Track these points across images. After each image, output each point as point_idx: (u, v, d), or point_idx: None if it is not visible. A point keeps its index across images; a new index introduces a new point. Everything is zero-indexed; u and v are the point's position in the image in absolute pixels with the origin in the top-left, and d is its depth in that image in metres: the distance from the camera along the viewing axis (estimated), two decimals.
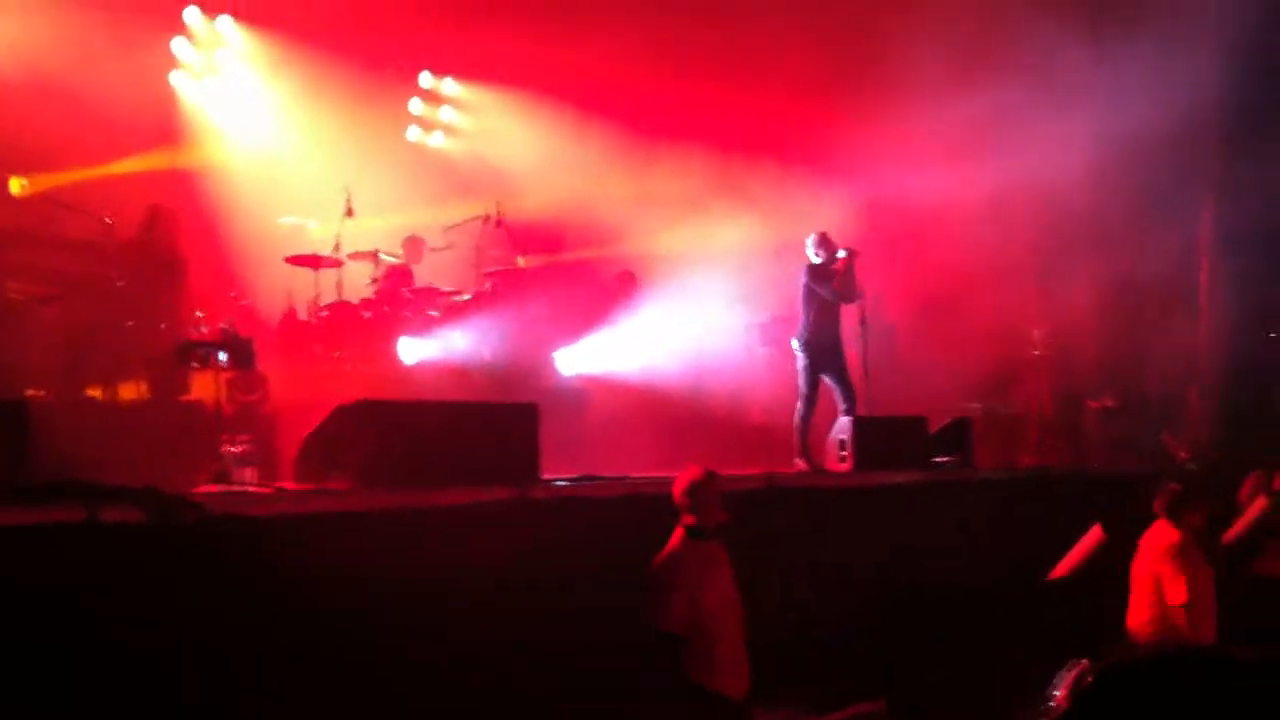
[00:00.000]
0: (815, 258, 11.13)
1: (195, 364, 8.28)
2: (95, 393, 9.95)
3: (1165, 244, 14.46)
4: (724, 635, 6.39)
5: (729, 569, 6.55)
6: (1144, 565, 7.44)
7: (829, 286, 10.98)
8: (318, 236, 12.70)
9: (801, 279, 11.14)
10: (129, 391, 10.09)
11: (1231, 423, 13.99)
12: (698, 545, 6.44)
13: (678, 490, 6.53)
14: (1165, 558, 7.33)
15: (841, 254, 11.08)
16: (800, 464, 10.58)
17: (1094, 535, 7.96)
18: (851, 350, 11.28)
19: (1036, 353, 14.44)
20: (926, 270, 14.32)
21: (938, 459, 10.60)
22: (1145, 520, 7.82)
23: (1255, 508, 8.30)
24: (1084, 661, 6.83)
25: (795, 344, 11.11)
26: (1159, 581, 7.31)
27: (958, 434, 11.19)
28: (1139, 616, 7.38)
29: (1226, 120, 14.26)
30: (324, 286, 12.24)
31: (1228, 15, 13.42)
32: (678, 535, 6.48)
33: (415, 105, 16.48)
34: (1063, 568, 8.08)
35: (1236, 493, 8.61)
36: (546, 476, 7.88)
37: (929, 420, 10.98)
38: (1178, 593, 7.18)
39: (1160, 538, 7.46)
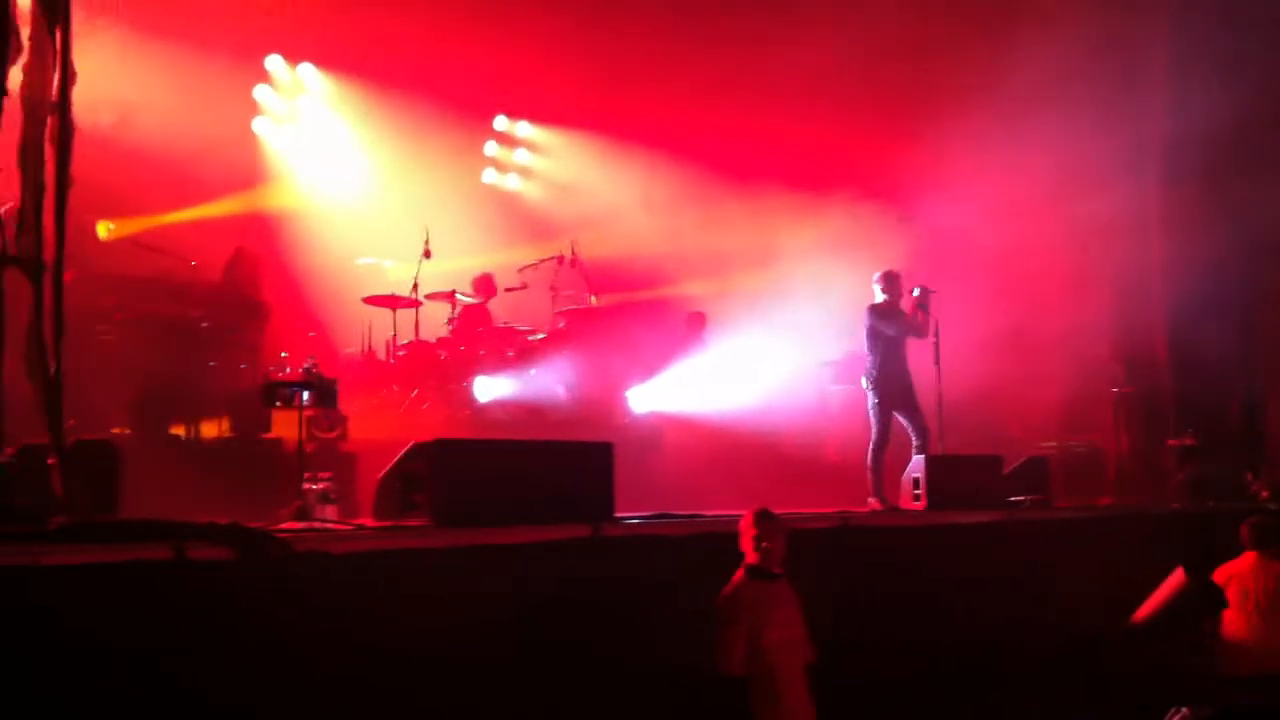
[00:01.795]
0: (879, 296, 11.12)
1: (280, 403, 8.42)
2: (179, 431, 10.15)
3: (1246, 276, 14.27)
4: (786, 675, 6.35)
5: (795, 609, 6.53)
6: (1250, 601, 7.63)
7: (894, 324, 10.96)
8: (395, 277, 12.91)
9: (865, 319, 11.13)
10: (212, 430, 10.28)
11: None
12: (759, 585, 6.43)
13: (742, 529, 6.54)
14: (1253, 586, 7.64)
15: (916, 292, 11.06)
16: (874, 503, 10.52)
17: (1177, 577, 7.84)
18: (926, 388, 11.22)
19: (1116, 390, 14.26)
20: (1002, 306, 14.22)
21: (1014, 498, 10.49)
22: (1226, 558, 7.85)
23: None
24: (1184, 710, 6.78)
25: (865, 382, 11.09)
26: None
27: (1034, 472, 11.07)
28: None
29: None
30: (401, 326, 12.44)
31: None
32: (740, 575, 6.48)
33: (491, 148, 16.72)
34: (1146, 610, 7.96)
35: None
36: (620, 514, 7.92)
37: (1004, 459, 10.88)
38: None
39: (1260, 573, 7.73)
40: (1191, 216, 13.87)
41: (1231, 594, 7.86)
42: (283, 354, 10.11)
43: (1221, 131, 13.97)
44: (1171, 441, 13.66)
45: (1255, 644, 7.65)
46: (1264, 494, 12.82)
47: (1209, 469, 12.97)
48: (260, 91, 14.56)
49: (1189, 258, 13.96)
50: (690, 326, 14.29)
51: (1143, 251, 14.64)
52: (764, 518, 6.52)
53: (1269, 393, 14.30)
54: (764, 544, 6.44)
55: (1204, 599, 7.58)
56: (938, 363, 11.11)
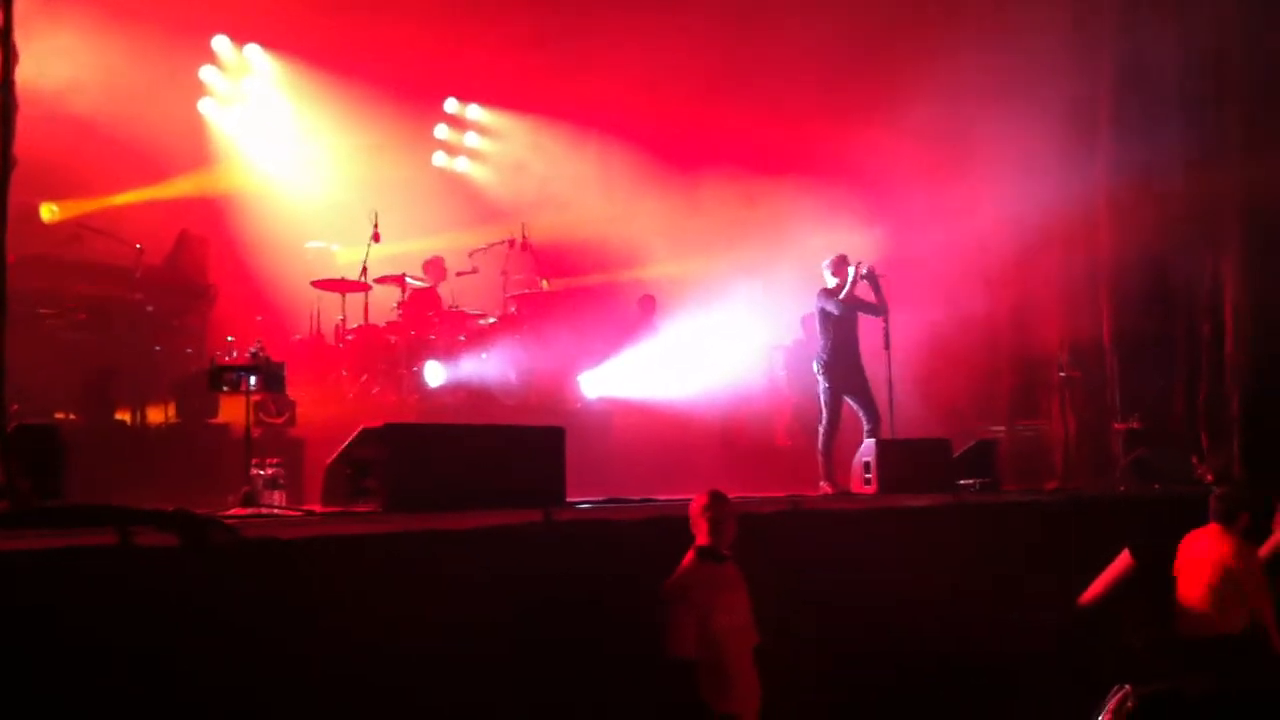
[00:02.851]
0: (830, 280, 11.14)
1: (226, 388, 8.32)
2: (124, 417, 10.03)
3: (1190, 264, 14.44)
4: (735, 658, 6.37)
5: (743, 592, 6.54)
6: (1207, 569, 7.76)
7: (837, 300, 10.95)
8: (344, 261, 12.82)
9: (816, 303, 11.15)
10: (158, 415, 10.18)
11: (1258, 446, 13.90)
12: (710, 567, 6.43)
13: (693, 511, 6.54)
14: (1231, 559, 7.78)
15: (863, 270, 11.05)
16: (825, 487, 10.57)
17: (1123, 560, 7.94)
18: (876, 372, 11.27)
19: (1062, 374, 14.39)
20: (951, 292, 14.30)
21: (963, 481, 10.57)
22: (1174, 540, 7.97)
23: None
24: (1126, 688, 6.87)
25: (815, 367, 11.12)
26: (1237, 583, 7.69)
27: (983, 457, 11.16)
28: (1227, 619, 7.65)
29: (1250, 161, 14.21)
30: (350, 310, 12.35)
31: None
32: (689, 557, 6.48)
33: (441, 131, 16.62)
34: (1091, 593, 8.05)
35: (1267, 517, 8.58)
36: (572, 499, 7.91)
37: (953, 443, 10.96)
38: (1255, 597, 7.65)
39: (1222, 543, 7.87)
40: (1136, 204, 13.99)
41: (1187, 561, 8.02)
42: (229, 338, 10.02)
43: (1166, 122, 14.14)
44: (1117, 425, 13.80)
45: (1202, 610, 7.81)
46: (1209, 477, 12.99)
47: (1154, 453, 13.13)
48: (206, 72, 14.38)
49: (1134, 243, 14.11)
50: (641, 311, 14.31)
51: (1088, 238, 14.76)
52: (717, 500, 6.52)
53: (1213, 377, 14.44)
54: (717, 526, 6.44)
55: (1149, 581, 7.68)
56: (887, 347, 11.15)
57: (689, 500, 6.69)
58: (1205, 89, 14.44)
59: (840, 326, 11.02)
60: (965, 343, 14.28)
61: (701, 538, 6.46)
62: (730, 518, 6.52)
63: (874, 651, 8.11)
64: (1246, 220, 14.17)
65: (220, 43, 14.43)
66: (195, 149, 14.03)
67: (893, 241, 13.66)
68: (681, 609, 6.26)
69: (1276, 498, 8.62)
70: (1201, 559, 7.96)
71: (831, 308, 10.97)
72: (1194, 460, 13.46)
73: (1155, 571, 7.87)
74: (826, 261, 11.21)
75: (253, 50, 14.68)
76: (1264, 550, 8.31)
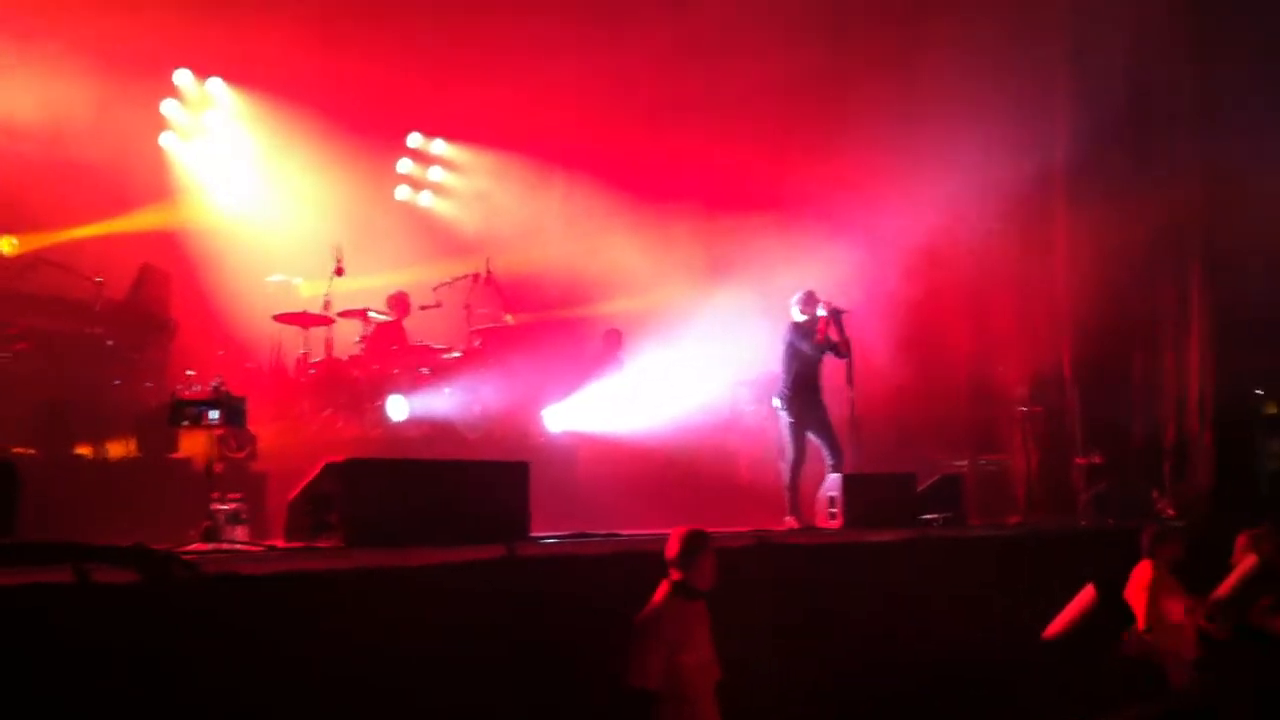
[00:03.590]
0: (798, 316, 11.16)
1: (187, 422, 8.24)
2: (84, 451, 9.92)
3: (1153, 302, 14.59)
4: (699, 695, 6.31)
5: (708, 630, 6.50)
6: (1131, 597, 8.16)
7: (812, 343, 11.00)
8: (307, 295, 12.75)
9: (784, 337, 11.17)
10: (117, 450, 10.07)
11: (1219, 480, 14.04)
12: (682, 604, 6.41)
13: (672, 546, 6.48)
14: (1140, 590, 8.17)
15: (822, 311, 11.10)
16: (790, 521, 10.56)
17: (1086, 594, 7.99)
18: (840, 407, 11.29)
19: (1023, 409, 14.48)
20: (913, 327, 14.39)
21: (927, 516, 10.59)
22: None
23: (1245, 565, 8.36)
24: None
25: (776, 402, 11.14)
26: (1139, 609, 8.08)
27: (947, 491, 11.20)
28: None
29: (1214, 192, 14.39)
30: (313, 344, 12.29)
31: None
32: (663, 591, 6.45)
33: (404, 165, 16.61)
34: (1055, 627, 8.09)
35: (1228, 551, 8.68)
36: (536, 534, 7.87)
37: (918, 477, 10.99)
38: (1145, 619, 7.96)
39: (1141, 573, 8.29)
40: (1096, 238, 14.13)
41: (1129, 591, 8.26)
42: (190, 372, 9.93)
43: (1124, 154, 14.32)
44: (1079, 460, 13.89)
45: (1140, 632, 8.02)
46: (1170, 511, 13.09)
47: (1115, 487, 13.21)
48: (168, 106, 14.33)
49: (1094, 279, 14.24)
50: (606, 345, 14.30)
51: (1048, 273, 14.89)
52: (699, 536, 6.48)
53: (1179, 411, 14.59)
54: (698, 563, 6.40)
55: (1112, 615, 7.73)
56: (850, 382, 11.18)
57: (653, 535, 6.66)
58: (1161, 119, 14.64)
59: (806, 362, 11.04)
60: (928, 378, 14.37)
61: (678, 574, 6.41)
62: (710, 558, 6.48)
63: (839, 685, 8.09)
64: (1208, 252, 14.34)
65: (182, 76, 14.37)
66: (157, 182, 13.96)
67: (855, 275, 13.72)
68: (651, 641, 6.22)
69: (1242, 531, 8.70)
70: (1134, 588, 8.28)
71: (806, 347, 10.99)
72: (1154, 494, 13.55)
73: (1117, 603, 7.94)
74: (795, 298, 11.24)
75: (215, 84, 14.63)
76: (1228, 583, 8.38)
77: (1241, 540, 8.62)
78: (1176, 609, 8.16)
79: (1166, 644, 7.96)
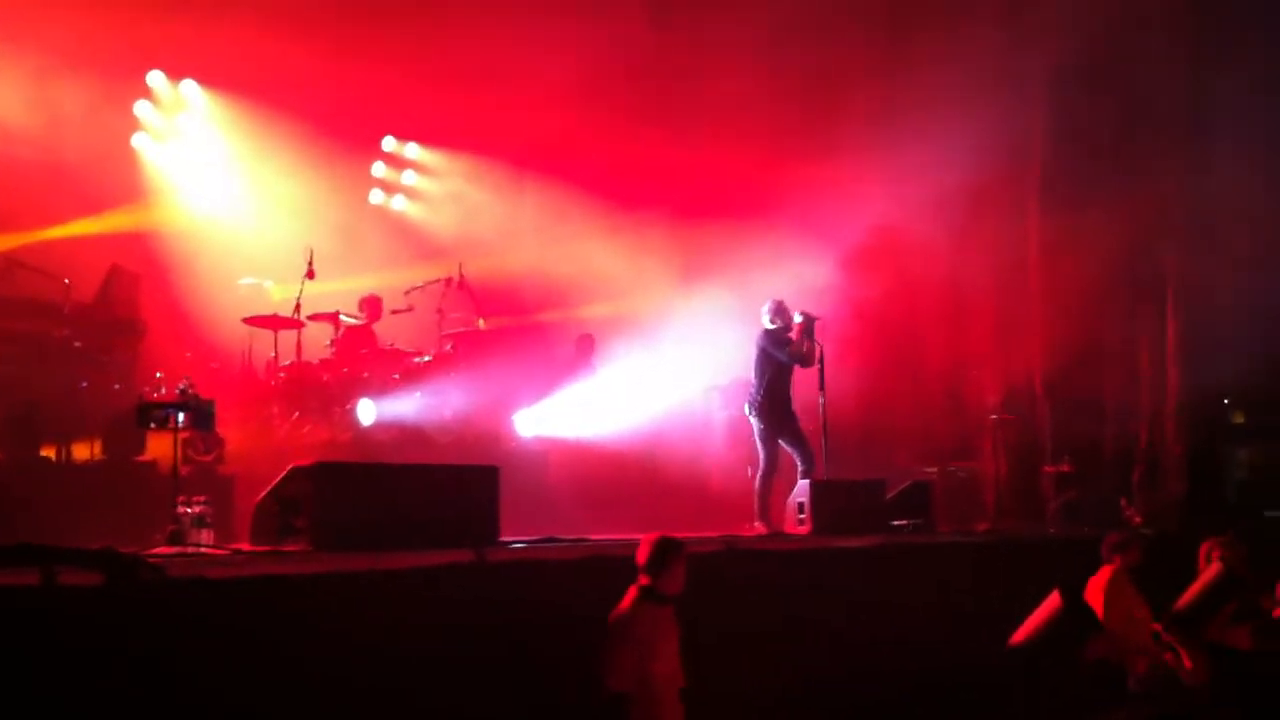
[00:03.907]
0: (770, 324, 11.19)
1: (154, 425, 8.20)
2: (50, 453, 9.86)
3: (1122, 310, 14.67)
4: (666, 700, 6.32)
5: (676, 637, 6.49)
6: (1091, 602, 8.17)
7: (786, 351, 11.04)
8: (278, 298, 12.69)
9: (756, 345, 11.19)
10: (84, 452, 10.01)
11: (1188, 489, 14.12)
12: (651, 609, 6.40)
13: (643, 551, 6.47)
14: (1098, 592, 8.31)
15: (798, 318, 11.14)
16: (759, 527, 10.58)
17: (1053, 601, 8.01)
18: (811, 414, 11.32)
19: (994, 418, 14.54)
20: (885, 335, 14.44)
21: (896, 523, 10.62)
22: None
23: (1208, 574, 8.40)
24: None
25: (748, 409, 11.16)
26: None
27: (917, 498, 11.23)
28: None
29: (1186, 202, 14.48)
30: (283, 348, 12.23)
31: None
32: (633, 595, 6.43)
33: (378, 169, 16.57)
34: (1021, 634, 8.11)
35: (1193, 559, 8.73)
36: (505, 538, 7.85)
37: (888, 484, 11.02)
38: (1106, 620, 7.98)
39: (1099, 577, 8.44)
40: (1070, 248, 14.21)
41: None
42: (158, 374, 9.89)
43: (1098, 168, 14.41)
44: (1047, 468, 13.96)
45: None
46: (1137, 519, 13.16)
47: (1084, 496, 13.28)
48: (141, 107, 14.25)
49: (1067, 290, 14.31)
50: (579, 350, 14.28)
51: (1022, 282, 14.96)
52: (671, 543, 6.49)
53: (1143, 420, 14.67)
54: (669, 571, 6.41)
55: (1078, 621, 7.75)
56: (822, 389, 11.21)
57: (624, 541, 6.66)
58: (1135, 137, 14.74)
59: (778, 370, 11.07)
60: (899, 385, 14.41)
61: (648, 579, 6.41)
62: (681, 564, 6.47)
63: (806, 690, 8.10)
64: (1180, 263, 14.43)
65: (155, 78, 14.30)
66: (128, 183, 13.88)
67: (830, 283, 13.76)
68: (623, 645, 6.23)
69: (1209, 539, 8.75)
70: (1093, 593, 8.37)
71: (780, 355, 11.01)
72: (1123, 502, 13.62)
73: (1083, 609, 7.97)
74: (766, 306, 11.27)
75: (188, 86, 14.56)
76: (1190, 592, 8.42)
77: (1205, 549, 8.67)
78: (1136, 613, 8.21)
79: (1126, 648, 8.03)
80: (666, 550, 6.46)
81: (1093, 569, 8.64)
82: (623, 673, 6.19)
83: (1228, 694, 7.77)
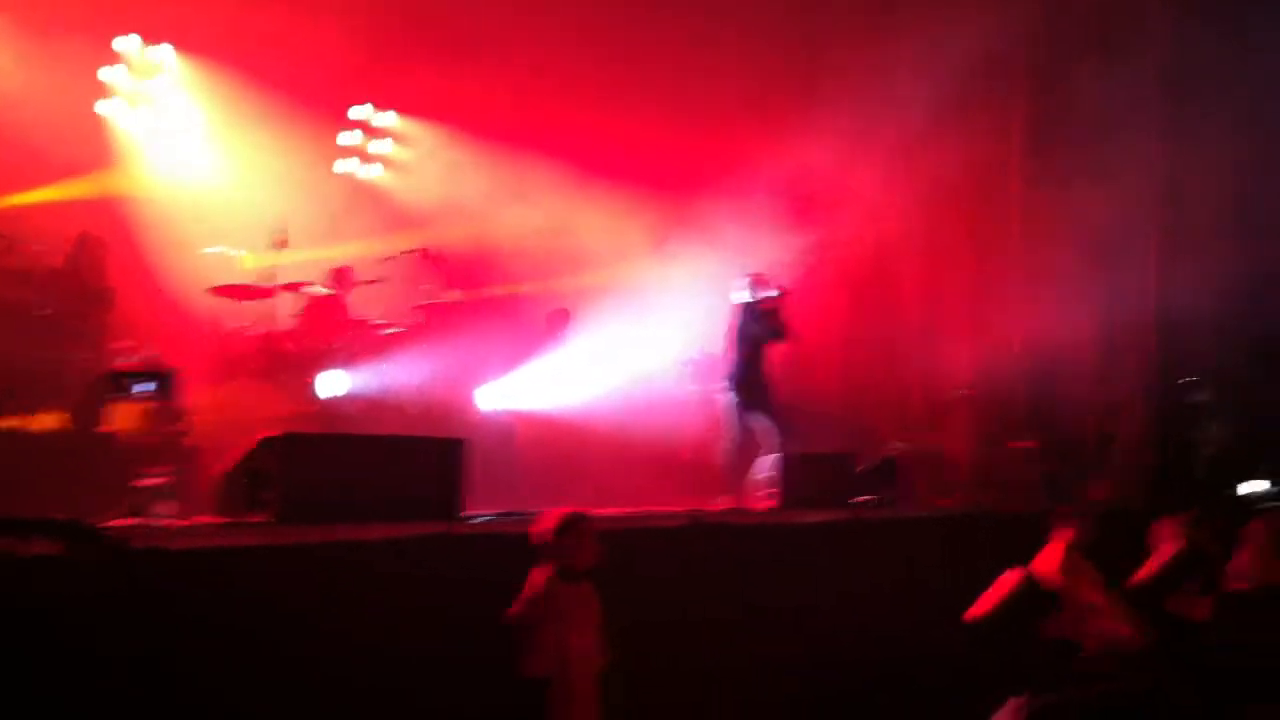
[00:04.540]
0: (746, 296, 11.19)
1: (119, 394, 8.17)
2: (13, 423, 9.79)
3: (1096, 284, 14.71)
4: (580, 680, 6.14)
5: (595, 613, 6.31)
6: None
7: (764, 324, 11.05)
8: (248, 267, 12.62)
9: (731, 318, 11.19)
10: (48, 422, 9.94)
11: (1153, 467, 14.21)
12: (567, 587, 6.20)
13: (548, 530, 6.27)
14: (1052, 567, 8.12)
15: (774, 293, 11.15)
16: (727, 501, 10.60)
17: (1012, 575, 8.07)
18: (783, 387, 11.35)
19: (961, 392, 14.59)
20: (854, 308, 14.47)
21: (864, 497, 10.67)
22: None
23: (1168, 550, 8.47)
24: (1021, 698, 7.00)
25: (722, 382, 11.17)
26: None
27: (885, 472, 11.28)
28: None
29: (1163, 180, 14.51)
30: (252, 318, 12.18)
31: None
32: (544, 575, 6.22)
33: (347, 137, 16.46)
34: (980, 607, 8.17)
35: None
36: (471, 511, 7.85)
37: (856, 458, 11.06)
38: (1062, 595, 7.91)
39: (1051, 551, 8.26)
40: (1050, 221, 14.24)
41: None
42: (125, 343, 9.83)
43: (1079, 139, 14.41)
44: (1014, 444, 14.02)
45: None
46: (1105, 494, 13.25)
47: (1051, 471, 13.35)
48: (109, 72, 14.11)
49: (1045, 264, 14.35)
50: (553, 323, 14.26)
51: (1000, 253, 14.99)
52: (573, 517, 6.30)
53: (1113, 396, 14.74)
54: (575, 547, 6.23)
55: (1039, 597, 7.81)
56: (795, 362, 11.23)
57: (593, 515, 6.54)
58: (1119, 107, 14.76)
59: (752, 343, 11.08)
60: (869, 357, 14.46)
61: (558, 557, 6.22)
62: (590, 536, 6.29)
63: (771, 665, 8.13)
64: (1162, 236, 14.47)
65: (126, 42, 14.15)
66: (95, 149, 13.74)
67: (803, 256, 13.78)
68: (541, 625, 6.07)
69: (1165, 518, 8.80)
70: (1044, 567, 8.27)
71: (755, 329, 11.01)
72: (1091, 478, 13.70)
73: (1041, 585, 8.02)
74: (742, 279, 11.27)
75: (160, 51, 14.42)
76: (1148, 567, 8.50)
77: (1162, 526, 8.72)
78: (1087, 590, 8.26)
79: (1079, 625, 8.04)
80: (569, 526, 6.26)
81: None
82: (540, 657, 6.04)
83: (1181, 666, 7.84)
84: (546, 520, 6.29)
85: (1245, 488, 13.72)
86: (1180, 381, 14.96)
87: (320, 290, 12.55)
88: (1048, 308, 14.46)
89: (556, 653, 6.05)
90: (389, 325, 12.61)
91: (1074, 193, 14.13)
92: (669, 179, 15.12)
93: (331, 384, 11.72)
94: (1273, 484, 13.81)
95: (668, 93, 14.91)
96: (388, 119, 16.64)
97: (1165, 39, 14.43)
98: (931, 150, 14.03)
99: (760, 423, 11.03)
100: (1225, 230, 13.80)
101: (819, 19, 14.91)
